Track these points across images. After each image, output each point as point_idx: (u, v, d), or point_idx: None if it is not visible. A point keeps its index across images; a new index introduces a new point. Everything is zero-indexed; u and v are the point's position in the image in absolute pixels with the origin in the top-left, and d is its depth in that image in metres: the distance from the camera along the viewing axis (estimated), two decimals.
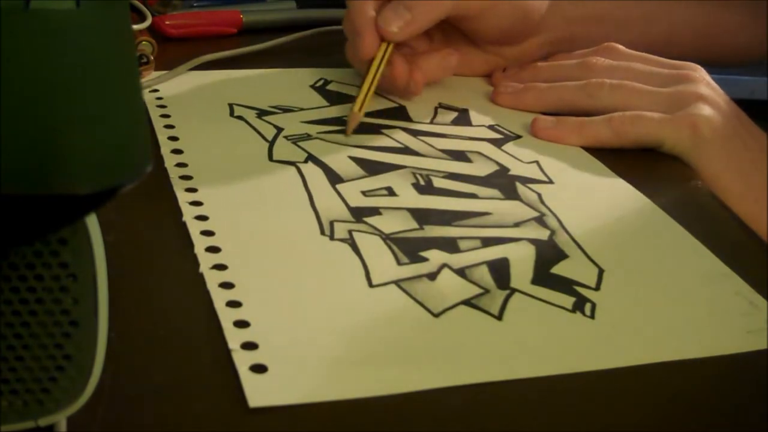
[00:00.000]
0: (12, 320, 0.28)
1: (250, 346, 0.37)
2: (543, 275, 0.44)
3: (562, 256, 0.46)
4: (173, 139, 0.53)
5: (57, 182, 0.24)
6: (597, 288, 0.44)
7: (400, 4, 0.58)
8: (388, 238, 0.46)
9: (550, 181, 0.54)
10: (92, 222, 0.28)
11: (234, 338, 0.37)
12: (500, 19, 0.63)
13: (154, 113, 0.56)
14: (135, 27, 0.65)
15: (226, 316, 0.39)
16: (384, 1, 0.59)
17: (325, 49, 0.69)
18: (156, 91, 0.60)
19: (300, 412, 0.34)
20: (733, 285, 0.45)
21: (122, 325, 0.35)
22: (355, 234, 0.46)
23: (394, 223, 0.47)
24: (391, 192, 0.50)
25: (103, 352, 0.29)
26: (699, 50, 0.74)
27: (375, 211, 0.48)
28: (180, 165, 0.50)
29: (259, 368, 0.36)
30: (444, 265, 0.44)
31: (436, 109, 0.62)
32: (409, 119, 0.59)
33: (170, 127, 0.54)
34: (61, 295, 0.28)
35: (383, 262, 0.44)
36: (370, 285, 0.42)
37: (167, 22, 0.70)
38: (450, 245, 0.46)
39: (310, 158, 0.53)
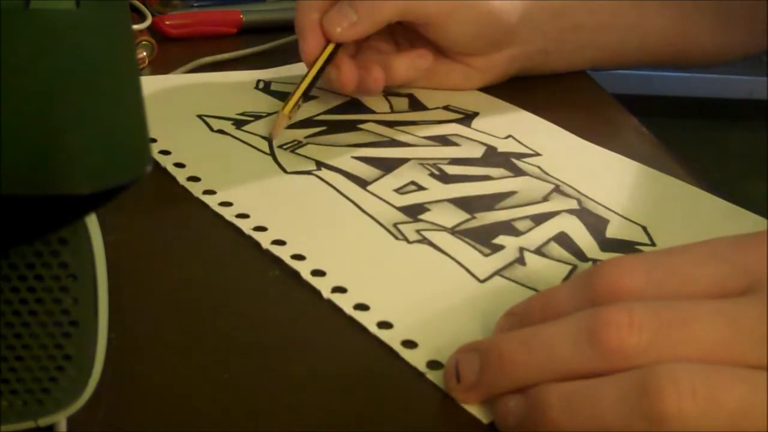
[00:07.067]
0: (12, 320, 0.28)
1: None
2: (604, 241, 0.45)
3: (604, 220, 0.46)
4: (165, 153, 0.50)
5: (57, 182, 0.24)
6: (653, 243, 0.45)
7: (346, 4, 0.55)
8: (455, 232, 0.45)
9: (537, 153, 0.54)
10: (92, 222, 0.28)
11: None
12: (464, 26, 0.59)
13: None
14: (135, 27, 0.65)
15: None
16: (332, 1, 0.57)
17: None
18: None
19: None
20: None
21: (122, 325, 0.34)
22: (425, 233, 0.45)
23: (448, 217, 0.46)
24: (419, 186, 0.49)
25: (103, 352, 0.29)
26: (669, 57, 0.70)
27: (422, 207, 0.47)
28: (193, 179, 0.48)
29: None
30: (521, 249, 0.44)
31: (386, 97, 0.60)
32: (370, 111, 0.58)
33: (152, 140, 0.51)
34: (61, 295, 0.28)
35: (473, 255, 0.43)
36: (479, 280, 0.42)
37: (167, 22, 0.70)
38: (510, 229, 0.46)
39: (321, 165, 0.51)
